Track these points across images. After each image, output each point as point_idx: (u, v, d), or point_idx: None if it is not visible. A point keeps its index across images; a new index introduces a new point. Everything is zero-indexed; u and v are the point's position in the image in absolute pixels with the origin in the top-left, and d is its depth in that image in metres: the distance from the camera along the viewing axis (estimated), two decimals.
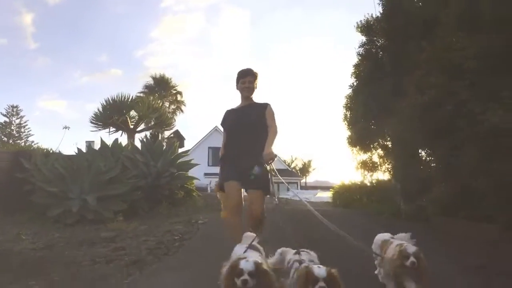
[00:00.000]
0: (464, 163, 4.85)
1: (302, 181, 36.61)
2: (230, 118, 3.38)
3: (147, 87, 22.45)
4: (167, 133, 14.75)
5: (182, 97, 23.31)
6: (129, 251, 4.03)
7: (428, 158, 6.73)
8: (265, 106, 3.30)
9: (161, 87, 22.54)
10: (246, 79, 3.31)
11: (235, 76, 3.37)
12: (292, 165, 40.06)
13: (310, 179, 46.84)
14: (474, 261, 3.65)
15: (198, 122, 63.22)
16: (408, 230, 2.62)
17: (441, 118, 5.10)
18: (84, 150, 7.70)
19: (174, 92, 23.03)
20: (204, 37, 61.87)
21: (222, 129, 3.52)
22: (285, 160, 34.59)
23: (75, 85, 59.53)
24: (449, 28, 5.35)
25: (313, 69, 73.07)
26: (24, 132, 42.10)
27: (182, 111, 23.49)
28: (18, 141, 36.99)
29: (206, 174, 17.81)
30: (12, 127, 41.04)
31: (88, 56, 60.24)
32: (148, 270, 3.37)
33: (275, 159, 3.06)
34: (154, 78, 22.52)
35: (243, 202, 3.10)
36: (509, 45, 4.44)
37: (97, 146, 8.39)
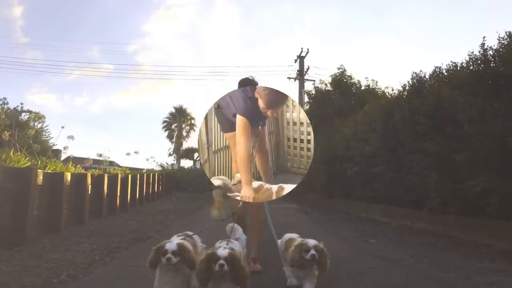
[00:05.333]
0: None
1: None
2: None
3: (171, 114, 32.81)
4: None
5: (194, 120, 33.25)
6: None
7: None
8: None
9: (181, 114, 32.56)
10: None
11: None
12: None
13: None
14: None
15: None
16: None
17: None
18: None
19: (189, 118, 33.11)
20: (196, 32, 60.79)
21: None
22: None
23: (65, 79, 59.49)
24: None
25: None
26: (45, 135, 52.28)
27: (194, 130, 33.37)
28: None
29: None
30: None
31: (79, 50, 60.75)
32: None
33: None
34: (175, 108, 32.92)
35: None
36: None
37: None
